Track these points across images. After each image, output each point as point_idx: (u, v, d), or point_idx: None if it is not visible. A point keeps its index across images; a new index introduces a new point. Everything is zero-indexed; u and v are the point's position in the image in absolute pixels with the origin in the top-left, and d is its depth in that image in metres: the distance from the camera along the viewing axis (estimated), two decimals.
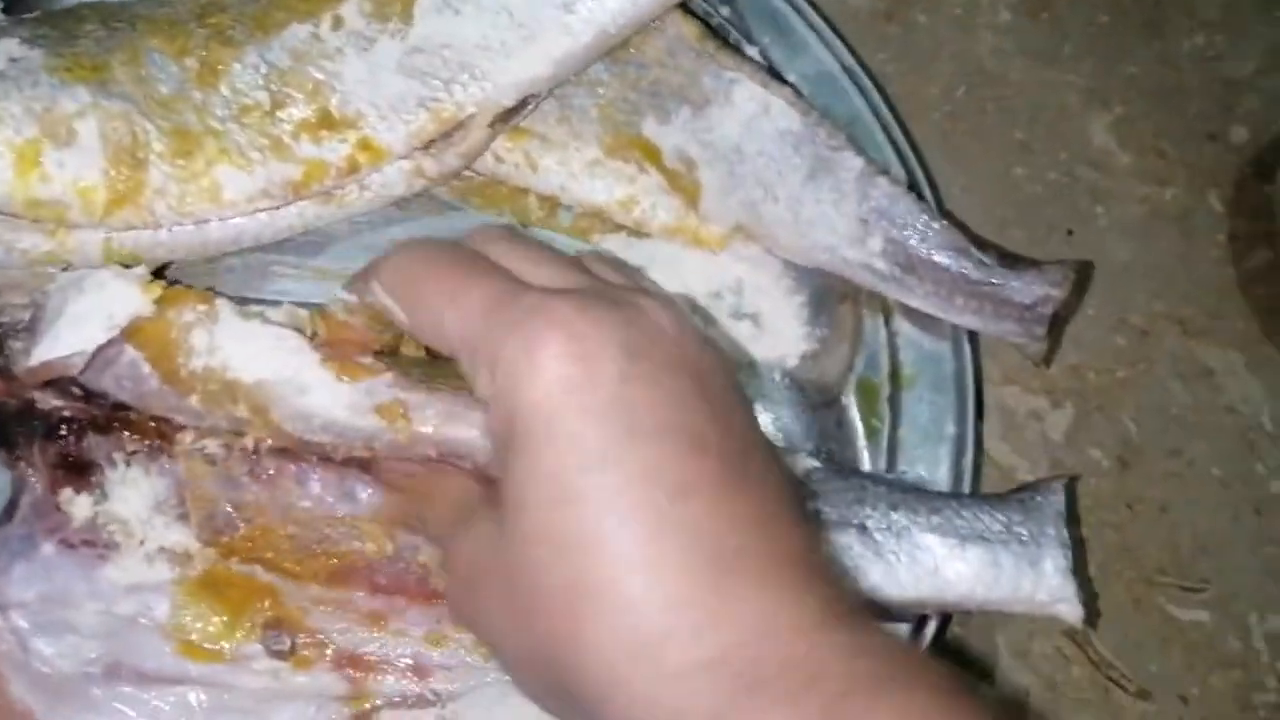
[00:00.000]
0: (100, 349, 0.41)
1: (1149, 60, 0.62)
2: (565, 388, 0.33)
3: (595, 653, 0.32)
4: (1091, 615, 0.51)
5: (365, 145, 0.52)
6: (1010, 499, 0.48)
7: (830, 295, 0.58)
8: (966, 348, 0.56)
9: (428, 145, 0.53)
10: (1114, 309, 0.58)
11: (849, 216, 0.54)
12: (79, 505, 0.43)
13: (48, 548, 0.42)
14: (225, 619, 0.43)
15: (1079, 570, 0.46)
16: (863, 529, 0.46)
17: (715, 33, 0.58)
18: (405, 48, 0.52)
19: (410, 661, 0.43)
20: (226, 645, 0.44)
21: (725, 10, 0.60)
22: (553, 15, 0.52)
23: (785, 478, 0.37)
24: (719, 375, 0.37)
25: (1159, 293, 0.59)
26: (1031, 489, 0.48)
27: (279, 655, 0.42)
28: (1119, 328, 0.58)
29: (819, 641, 0.31)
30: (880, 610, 0.46)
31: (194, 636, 0.44)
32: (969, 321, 0.55)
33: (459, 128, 0.53)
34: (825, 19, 0.61)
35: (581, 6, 0.52)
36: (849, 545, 0.46)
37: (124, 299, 0.41)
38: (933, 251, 0.54)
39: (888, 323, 0.57)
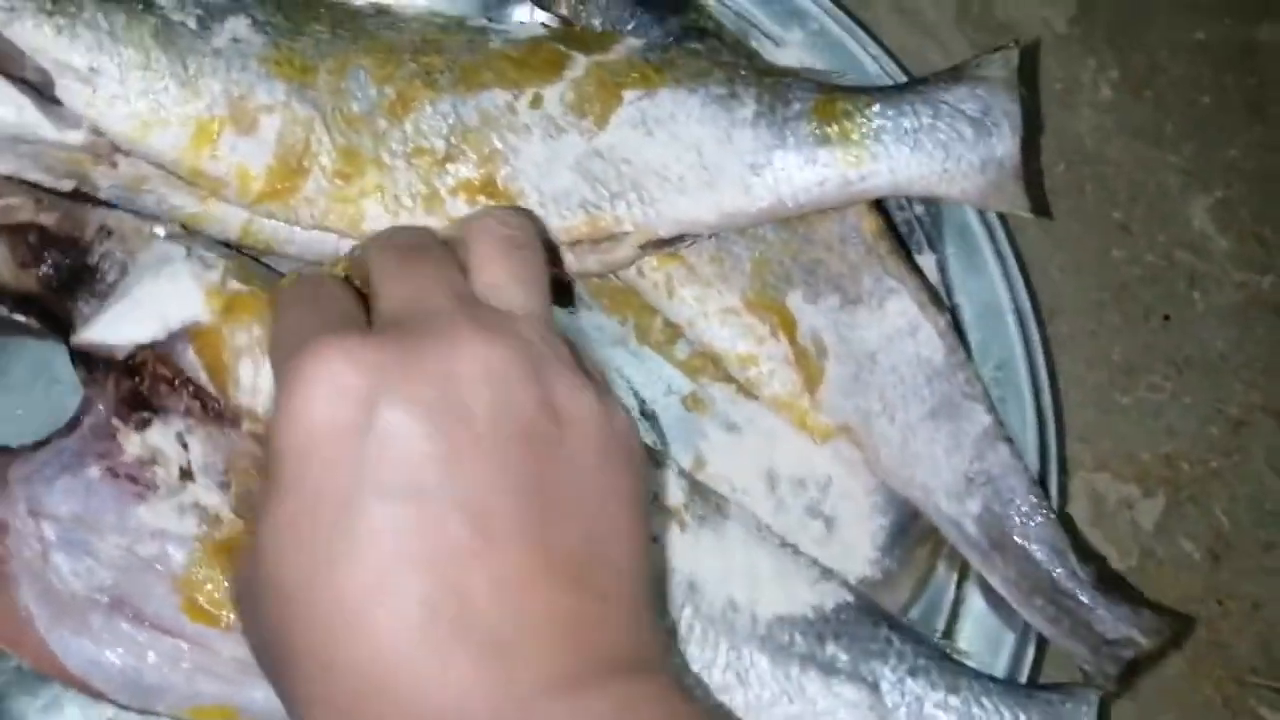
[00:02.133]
0: (170, 340, 0.42)
1: (1250, 144, 0.60)
2: (312, 431, 0.31)
3: (303, 707, 0.31)
4: None
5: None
6: (1037, 698, 0.46)
7: (913, 532, 0.54)
8: (1030, 652, 0.52)
9: (575, 243, 0.52)
10: (1209, 398, 0.57)
11: (957, 470, 0.51)
12: (133, 441, 0.44)
13: (94, 470, 0.43)
14: None
15: None
16: (874, 687, 0.45)
17: (895, 233, 0.55)
18: (589, 149, 0.51)
19: None
20: (226, 613, 0.45)
21: (919, 209, 0.57)
22: (737, 171, 0.51)
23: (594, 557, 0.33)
24: (526, 429, 0.33)
25: (1255, 382, 0.57)
26: (1061, 693, 0.47)
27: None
28: (1214, 418, 0.57)
29: (531, 712, 0.29)
30: None
31: (199, 596, 0.45)
32: (1041, 626, 0.50)
33: (610, 239, 0.52)
34: (1015, 250, 0.57)
35: (769, 173, 0.51)
36: (857, 703, 0.45)
37: (185, 302, 0.43)
38: (1029, 540, 0.50)
39: (960, 586, 0.53)
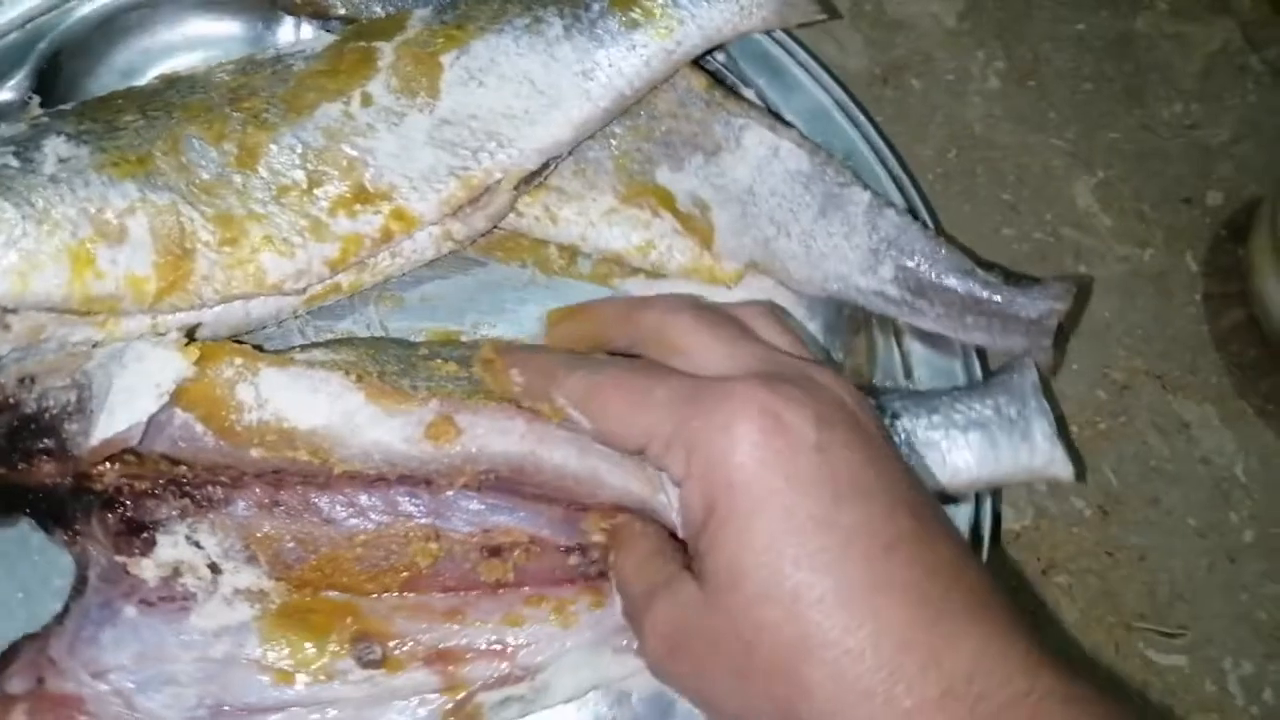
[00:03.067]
0: (151, 416, 0.41)
1: (1130, 127, 0.65)
2: (766, 461, 0.36)
3: (826, 702, 0.35)
4: (1081, 470, 0.54)
5: (398, 215, 0.53)
6: (992, 383, 0.51)
7: (843, 322, 0.60)
8: (976, 364, 0.58)
9: (456, 210, 0.54)
10: (1095, 364, 0.60)
11: (860, 248, 0.56)
12: (147, 566, 0.44)
13: (129, 611, 0.43)
14: (313, 643, 0.44)
15: (1063, 433, 0.49)
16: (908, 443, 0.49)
17: (720, 80, 0.59)
18: (434, 120, 0.53)
19: (494, 644, 0.44)
20: (321, 663, 0.46)
21: (720, 57, 0.61)
22: (573, 82, 0.54)
23: (950, 522, 0.40)
24: (883, 434, 0.40)
25: (1138, 349, 0.60)
26: (1007, 370, 0.51)
27: (372, 665, 0.43)
28: (1100, 382, 0.60)
29: (1035, 681, 0.34)
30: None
31: (287, 665, 0.46)
32: (978, 339, 0.57)
33: (486, 192, 0.54)
34: (815, 58, 0.62)
35: (600, 73, 0.54)
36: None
37: (166, 365, 0.43)
38: (941, 275, 0.56)
39: (899, 343, 0.59)
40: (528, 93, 0.53)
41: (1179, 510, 0.58)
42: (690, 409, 0.38)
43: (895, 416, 0.53)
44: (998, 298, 0.55)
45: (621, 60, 0.54)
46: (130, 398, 0.43)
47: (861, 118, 0.61)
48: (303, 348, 0.50)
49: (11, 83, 0.56)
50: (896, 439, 0.51)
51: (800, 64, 0.62)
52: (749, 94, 0.61)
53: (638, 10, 0.54)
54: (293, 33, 0.61)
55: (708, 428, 0.37)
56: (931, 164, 0.63)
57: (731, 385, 0.38)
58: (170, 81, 0.53)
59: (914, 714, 0.33)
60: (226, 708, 0.45)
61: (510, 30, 0.54)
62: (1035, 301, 0.54)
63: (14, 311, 0.48)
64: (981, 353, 0.58)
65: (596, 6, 0.54)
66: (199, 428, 0.45)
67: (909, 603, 0.35)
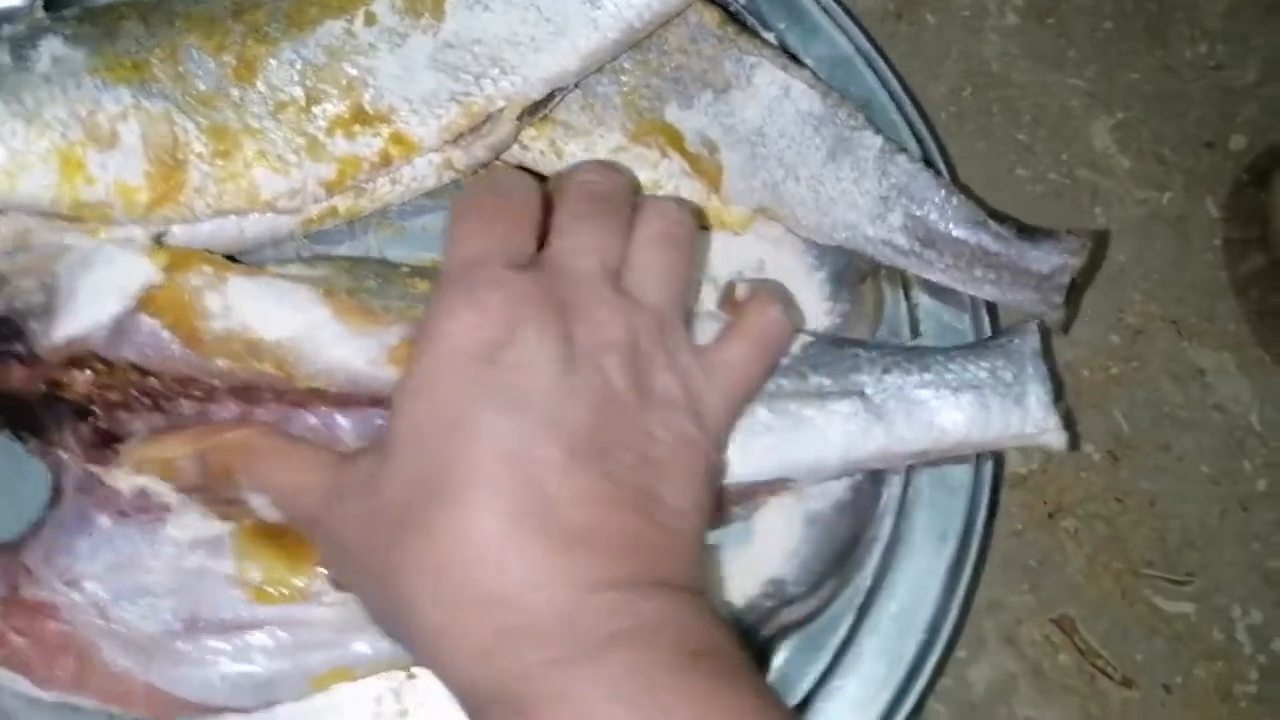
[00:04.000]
0: (118, 321, 0.42)
1: (1151, 67, 0.62)
2: (454, 350, 0.38)
3: (400, 573, 0.37)
4: (1075, 440, 0.52)
5: (397, 139, 0.52)
6: (991, 344, 0.50)
7: (851, 271, 0.58)
8: (985, 319, 0.56)
9: (457, 138, 0.53)
10: (1110, 308, 0.59)
11: (869, 194, 0.55)
12: (120, 477, 0.44)
13: (103, 520, 0.43)
14: (286, 563, 0.44)
15: (1060, 401, 0.47)
16: (863, 395, 0.48)
17: (735, 18, 0.57)
18: (437, 43, 0.51)
19: None
20: (297, 584, 0.46)
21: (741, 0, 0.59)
22: (580, 10, 0.52)
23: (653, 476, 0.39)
24: (604, 390, 0.40)
25: (1154, 294, 0.59)
26: (1008, 333, 0.49)
27: (343, 587, 0.44)
28: (1115, 326, 0.59)
29: (589, 601, 0.35)
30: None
31: (261, 582, 0.46)
32: (988, 293, 0.55)
33: (488, 120, 0.53)
34: (839, 2, 0.60)
35: (608, 2, 0.52)
36: (853, 412, 0.48)
37: (133, 269, 0.43)
38: (951, 225, 0.54)
39: (907, 296, 0.57)
40: (534, 19, 0.52)
41: (1191, 457, 0.57)
42: (469, 254, 0.42)
43: (886, 371, 0.51)
44: (1009, 250, 0.53)
45: None
46: (95, 299, 0.43)
47: (882, 64, 0.59)
48: (279, 262, 0.50)
49: None
50: (885, 394, 0.51)
51: (824, 8, 0.60)
52: (768, 37, 0.59)
53: None
54: None
55: (454, 291, 0.40)
56: (945, 102, 0.61)
57: (492, 273, 0.41)
58: None
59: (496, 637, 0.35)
60: (201, 622, 0.45)
61: None
62: (1048, 255, 0.53)
63: (1, 213, 0.47)
64: (993, 309, 0.56)
65: None
66: (165, 334, 0.44)
67: (537, 525, 0.37)
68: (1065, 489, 0.56)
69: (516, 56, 0.52)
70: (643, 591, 0.35)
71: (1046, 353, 0.53)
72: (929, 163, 0.57)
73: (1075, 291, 0.54)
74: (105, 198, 0.48)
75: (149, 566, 0.43)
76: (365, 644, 0.46)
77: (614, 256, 0.41)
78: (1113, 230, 0.60)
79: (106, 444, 0.46)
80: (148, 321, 0.42)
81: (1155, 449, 0.57)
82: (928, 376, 0.52)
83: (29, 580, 0.45)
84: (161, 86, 0.49)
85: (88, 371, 0.45)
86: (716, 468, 0.42)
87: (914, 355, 0.53)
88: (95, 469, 0.46)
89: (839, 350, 0.53)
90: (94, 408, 0.45)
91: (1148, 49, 0.62)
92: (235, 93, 0.50)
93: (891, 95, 0.59)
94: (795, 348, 0.53)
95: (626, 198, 0.44)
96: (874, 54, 0.60)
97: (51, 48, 0.48)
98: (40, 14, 0.52)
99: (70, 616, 0.43)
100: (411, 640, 0.36)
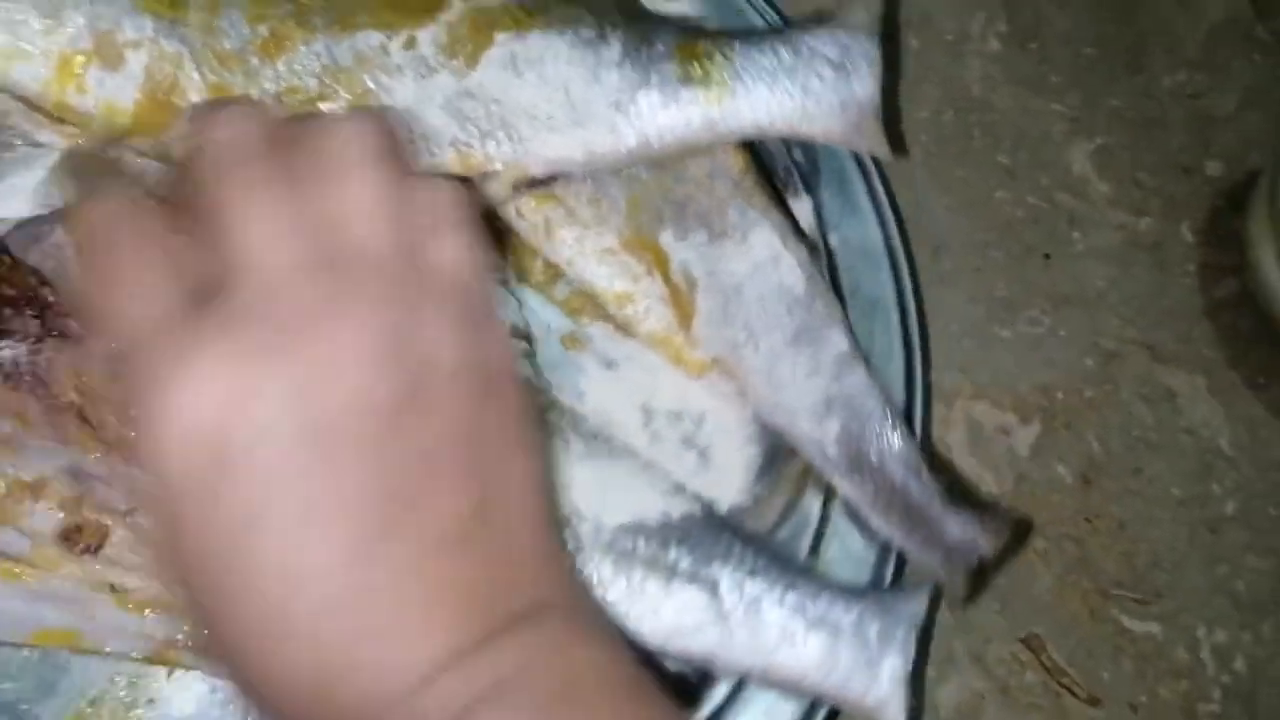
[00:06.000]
0: (32, 225, 0.41)
1: (1131, 94, 0.63)
2: (187, 469, 0.32)
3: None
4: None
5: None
6: (869, 595, 0.46)
7: (783, 462, 0.56)
8: (890, 565, 0.54)
9: None
10: (1086, 332, 0.59)
11: (816, 392, 0.53)
12: None
13: None
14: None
15: (915, 678, 0.45)
16: (714, 588, 0.45)
17: (763, 171, 0.57)
18: (459, 88, 0.52)
19: None
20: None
21: (798, 155, 0.59)
22: (603, 110, 0.52)
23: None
24: (404, 395, 0.33)
25: (1130, 318, 0.60)
26: (897, 589, 0.47)
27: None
28: (1090, 350, 0.59)
29: (434, 690, 0.31)
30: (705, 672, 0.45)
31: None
32: (897, 538, 0.52)
33: (481, 177, 0.53)
34: (889, 193, 0.59)
35: (633, 112, 0.52)
36: (695, 603, 0.45)
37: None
38: (884, 458, 0.52)
39: (825, 508, 0.55)
40: (559, 101, 0.52)
41: (1162, 480, 0.57)
42: (145, 354, 0.34)
43: (750, 574, 0.49)
44: (929, 508, 0.51)
45: (661, 108, 0.53)
46: (13, 195, 0.44)
47: (905, 269, 0.59)
48: None
49: None
50: (736, 598, 0.48)
51: (871, 193, 0.60)
52: (803, 202, 0.60)
53: (697, 67, 0.53)
54: None
55: (152, 398, 0.33)
56: (926, 125, 0.61)
57: (171, 341, 0.33)
58: None
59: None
60: None
61: (572, 36, 0.53)
62: (963, 529, 0.51)
63: None
64: (901, 561, 0.54)
65: (661, 48, 0.53)
66: (68, 252, 0.44)
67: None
68: (1036, 510, 0.56)
69: (529, 129, 0.52)
70: (493, 643, 0.31)
71: (927, 625, 0.50)
72: (910, 385, 0.56)
73: (983, 573, 0.52)
74: (90, 110, 0.49)
75: None
76: (105, 613, 0.44)
77: (305, 227, 0.33)
78: (1090, 254, 0.61)
79: None
80: (59, 234, 0.42)
81: (1126, 472, 0.57)
82: (789, 598, 0.49)
83: None
84: (187, 31, 0.50)
85: None
86: (526, 407, 0.36)
87: (786, 571, 0.50)
88: None
89: (714, 533, 0.51)
90: None
91: (1128, 75, 0.64)
92: (254, 62, 0.50)
93: (901, 305, 0.58)
94: (676, 513, 0.51)
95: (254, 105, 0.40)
96: (901, 257, 0.59)
97: None
98: None
99: None
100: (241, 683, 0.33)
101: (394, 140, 0.36)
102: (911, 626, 0.49)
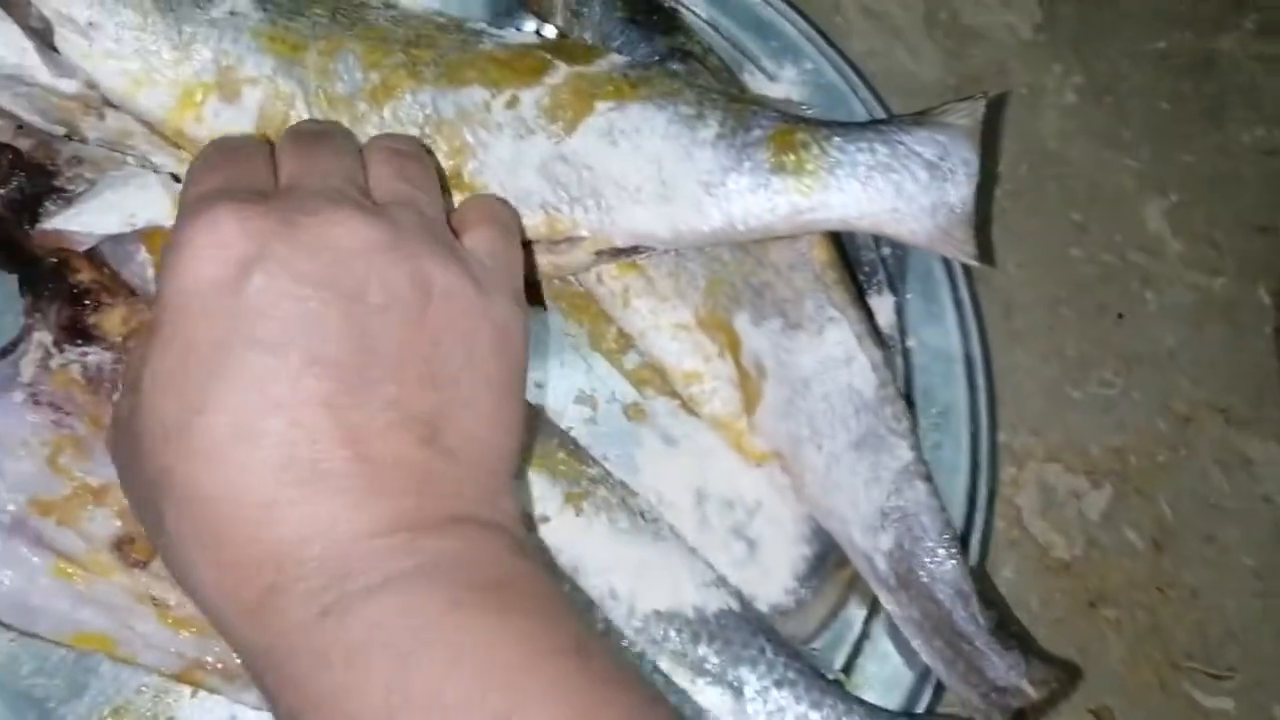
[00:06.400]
0: (122, 241, 0.44)
1: (1207, 149, 0.63)
2: (194, 284, 0.34)
3: (170, 539, 0.35)
4: None
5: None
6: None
7: (831, 564, 0.55)
8: (929, 692, 0.52)
9: (531, 243, 0.54)
10: (1158, 394, 0.58)
11: (874, 503, 0.51)
12: (65, 371, 0.45)
13: (18, 395, 0.44)
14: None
15: None
16: (739, 692, 0.45)
17: (847, 266, 0.56)
18: (554, 152, 0.53)
19: None
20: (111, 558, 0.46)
21: (886, 251, 0.59)
22: (692, 189, 0.52)
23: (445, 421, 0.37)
24: (395, 297, 0.36)
25: (1203, 380, 0.59)
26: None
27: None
28: (1162, 413, 0.58)
29: (364, 546, 0.33)
30: None
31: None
32: (938, 667, 0.50)
33: (566, 241, 0.54)
34: (974, 300, 0.59)
35: (721, 194, 0.52)
36: (719, 705, 0.45)
37: (153, 204, 0.44)
38: (935, 581, 0.50)
39: (868, 622, 0.53)
40: (649, 174, 0.52)
41: (1236, 549, 0.56)
42: (201, 197, 0.38)
43: (778, 684, 0.48)
44: (976, 641, 0.49)
45: (750, 194, 0.52)
46: (103, 212, 0.46)
47: (981, 377, 0.57)
48: None
49: None
50: (760, 706, 0.48)
51: (955, 296, 0.59)
52: (886, 300, 0.59)
53: (791, 156, 0.53)
54: (534, 25, 0.63)
55: (174, 237, 0.37)
56: (1001, 179, 0.61)
57: (210, 202, 0.37)
58: (385, 2, 0.56)
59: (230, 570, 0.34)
60: (28, 529, 0.46)
61: (671, 111, 0.53)
62: (1009, 670, 0.49)
63: (115, 108, 0.51)
64: (939, 689, 0.52)
65: (756, 133, 0.53)
66: (150, 272, 0.47)
67: (274, 464, 0.35)
68: (1107, 577, 0.56)
69: (616, 199, 0.53)
70: (429, 530, 0.33)
71: None
72: (972, 508, 0.54)
73: (1023, 715, 0.50)
74: (204, 138, 0.51)
75: (19, 455, 0.44)
76: (145, 626, 0.45)
77: (355, 173, 0.39)
78: (1163, 314, 0.61)
79: (74, 334, 0.48)
80: (144, 255, 0.45)
81: (1200, 539, 0.56)
82: (814, 716, 0.48)
83: None
84: (304, 73, 0.52)
85: (100, 270, 0.48)
86: (519, 363, 0.39)
87: (815, 685, 0.49)
88: (54, 351, 0.48)
89: (748, 635, 0.50)
90: (86, 301, 0.48)
91: (1203, 131, 0.63)
92: (361, 107, 0.52)
93: (973, 414, 0.57)
94: (711, 608, 0.50)
95: (346, 133, 0.44)
96: (979, 366, 0.57)
97: (236, 1, 0.53)
98: None
99: None
100: (192, 596, 0.35)
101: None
102: None
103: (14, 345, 0.48)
